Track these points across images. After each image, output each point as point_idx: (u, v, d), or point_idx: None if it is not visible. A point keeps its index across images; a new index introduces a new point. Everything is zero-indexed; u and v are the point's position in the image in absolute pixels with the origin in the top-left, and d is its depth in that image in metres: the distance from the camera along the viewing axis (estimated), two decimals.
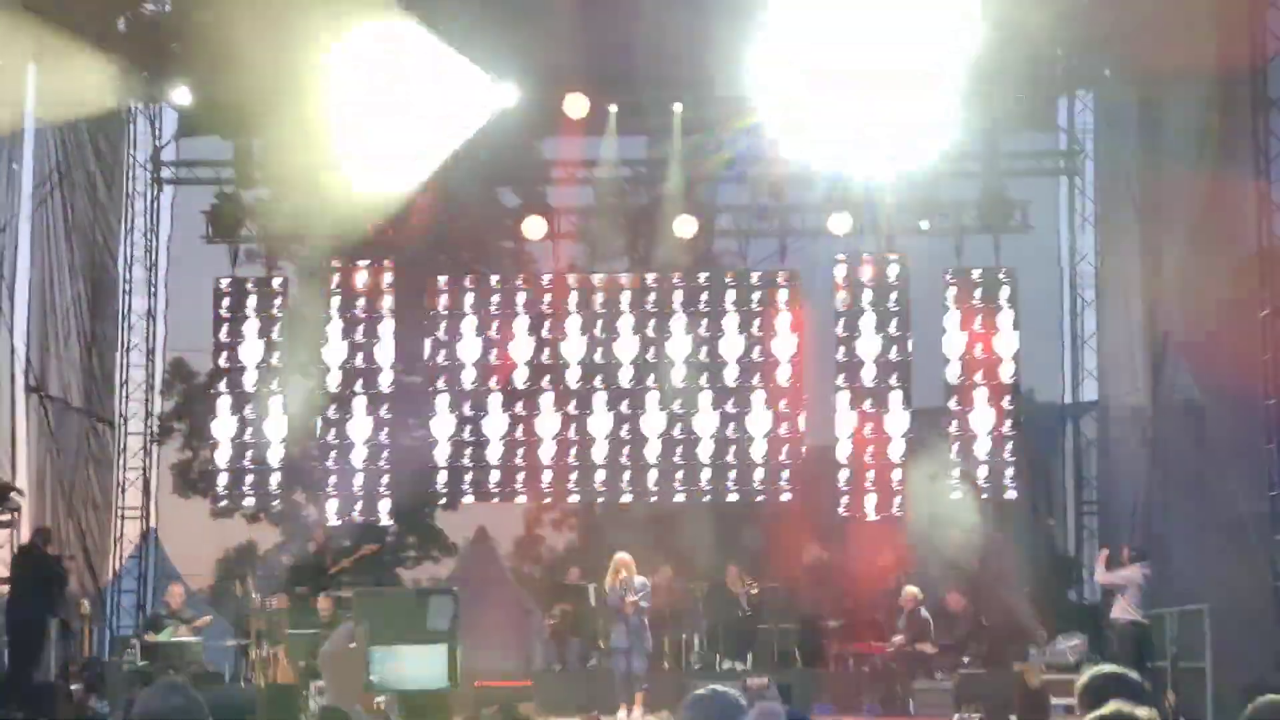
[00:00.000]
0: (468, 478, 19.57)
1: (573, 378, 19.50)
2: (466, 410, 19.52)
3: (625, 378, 19.47)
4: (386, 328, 19.77)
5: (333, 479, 19.57)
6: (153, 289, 19.93)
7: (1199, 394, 15.10)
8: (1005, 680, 15.36)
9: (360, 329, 19.75)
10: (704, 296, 19.66)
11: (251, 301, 19.73)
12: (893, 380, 19.20)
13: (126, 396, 19.66)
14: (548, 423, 19.44)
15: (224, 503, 20.08)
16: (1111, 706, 3.39)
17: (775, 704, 6.83)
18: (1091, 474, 19.51)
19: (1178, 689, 13.95)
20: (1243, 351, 14.08)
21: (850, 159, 18.29)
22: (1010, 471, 19.06)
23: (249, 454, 19.46)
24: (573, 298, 19.68)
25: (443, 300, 19.79)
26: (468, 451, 19.49)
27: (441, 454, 19.56)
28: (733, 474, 19.29)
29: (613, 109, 18.82)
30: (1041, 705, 13.46)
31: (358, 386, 19.63)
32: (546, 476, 19.53)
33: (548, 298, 19.75)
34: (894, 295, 19.38)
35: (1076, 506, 19.48)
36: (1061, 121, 19.51)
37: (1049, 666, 16.15)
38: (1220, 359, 14.70)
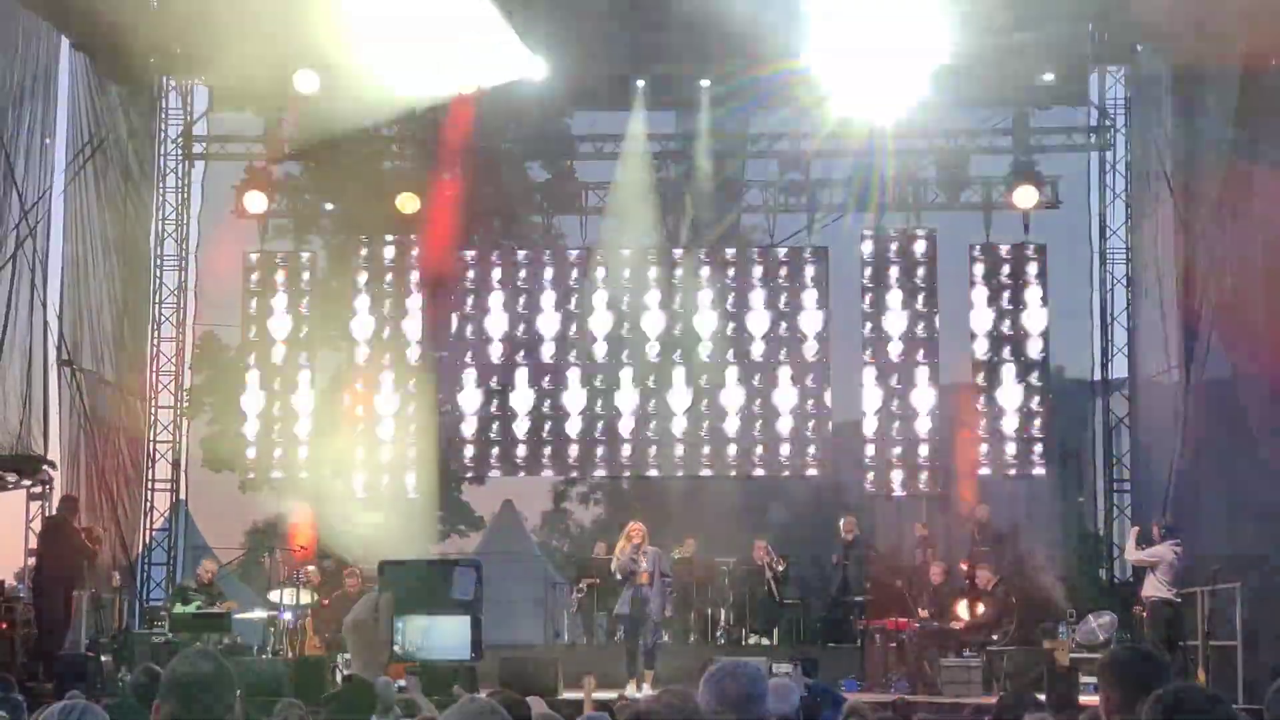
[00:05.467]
0: (495, 452, 19.60)
1: (599, 352, 19.48)
2: (493, 384, 19.54)
3: (652, 353, 19.45)
4: (414, 302, 19.79)
5: (360, 452, 19.63)
6: (183, 263, 20.02)
7: (1231, 370, 14.97)
8: (1035, 658, 15.32)
9: (388, 303, 19.78)
10: (731, 272, 19.61)
11: (280, 275, 19.80)
12: (920, 356, 19.12)
13: (157, 370, 19.77)
14: (574, 397, 19.44)
15: (252, 476, 20.19)
16: None
17: (787, 679, 6.84)
18: (1122, 452, 19.39)
19: (1209, 667, 13.87)
20: (1275, 328, 13.96)
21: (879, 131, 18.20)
22: (1039, 449, 18.97)
23: (277, 427, 19.55)
24: (599, 272, 19.65)
25: (470, 274, 19.80)
26: (494, 425, 19.52)
27: (468, 428, 19.60)
28: (759, 449, 19.26)
29: (640, 83, 18.73)
30: (1071, 683, 13.39)
31: (386, 360, 19.67)
32: (573, 451, 19.54)
33: (575, 272, 19.74)
34: (921, 271, 19.29)
35: (1106, 484, 19.37)
36: (1093, 96, 19.34)
37: (1079, 645, 16.10)
38: (1253, 335, 14.58)
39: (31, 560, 15.95)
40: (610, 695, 9.51)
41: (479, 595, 2.97)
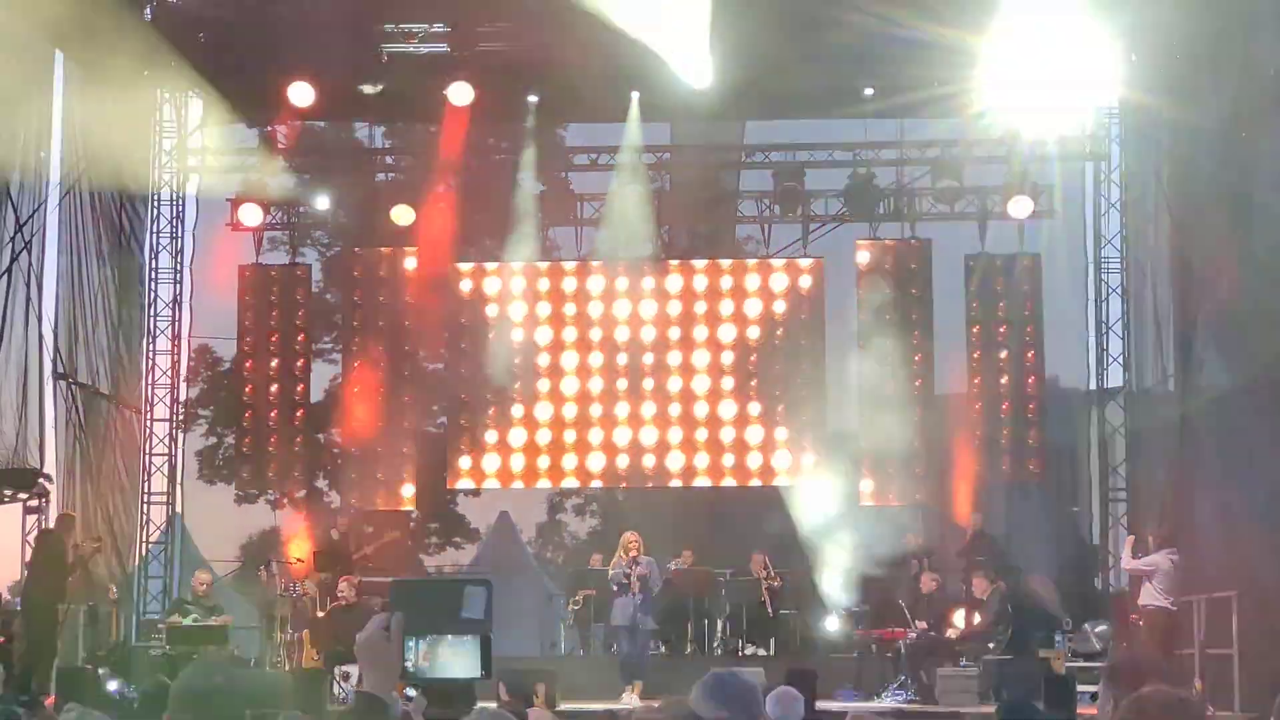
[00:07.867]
0: (491, 463, 19.58)
1: (595, 363, 19.48)
2: (489, 396, 19.52)
3: (647, 363, 19.44)
4: (408, 314, 19.77)
5: (356, 464, 19.61)
6: (178, 276, 20.01)
7: (1227, 379, 15.00)
8: (1031, 667, 15.33)
9: (383, 315, 19.76)
10: (726, 282, 19.61)
11: (275, 288, 19.79)
12: (915, 366, 19.13)
13: (152, 383, 19.76)
14: (570, 408, 19.43)
15: (248, 488, 20.17)
16: None
17: (792, 689, 6.88)
18: (1117, 461, 19.40)
19: (1205, 676, 13.88)
20: (1272, 337, 13.98)
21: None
22: (1034, 458, 18.98)
23: (273, 440, 19.53)
24: (595, 283, 19.64)
25: (465, 286, 19.79)
26: (490, 436, 19.49)
27: (464, 439, 19.57)
28: (756, 460, 19.26)
29: (635, 95, 18.74)
30: (1067, 692, 13.40)
31: (382, 372, 19.63)
32: (569, 461, 19.52)
33: (570, 283, 19.74)
34: (916, 280, 19.31)
35: (1102, 494, 19.38)
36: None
37: (1075, 654, 16.11)
38: (1249, 343, 14.60)
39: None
40: (599, 707, 9.48)
41: (489, 614, 3.03)
